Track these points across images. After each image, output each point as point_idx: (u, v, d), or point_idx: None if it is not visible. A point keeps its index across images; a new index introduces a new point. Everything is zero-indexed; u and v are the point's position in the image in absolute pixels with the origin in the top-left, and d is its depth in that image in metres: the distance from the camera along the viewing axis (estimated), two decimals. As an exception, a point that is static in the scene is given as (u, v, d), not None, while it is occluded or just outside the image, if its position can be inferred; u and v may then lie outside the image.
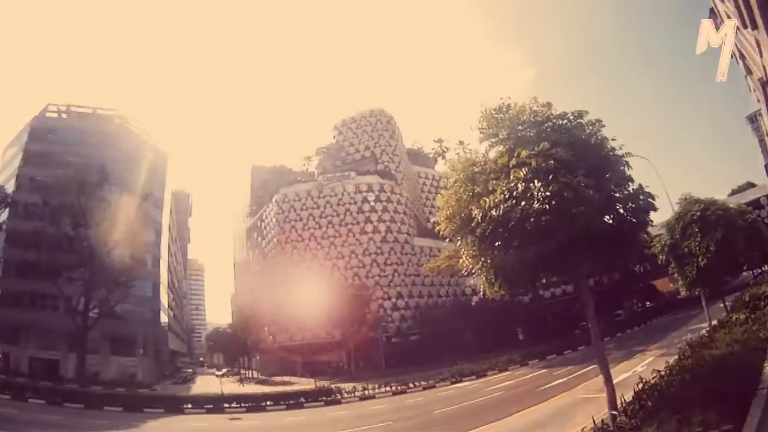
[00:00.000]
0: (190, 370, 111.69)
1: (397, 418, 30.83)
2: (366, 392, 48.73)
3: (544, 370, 43.54)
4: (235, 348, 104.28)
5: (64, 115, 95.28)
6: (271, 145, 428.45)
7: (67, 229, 64.03)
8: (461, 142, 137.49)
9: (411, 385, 49.59)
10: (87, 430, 29.93)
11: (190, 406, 43.41)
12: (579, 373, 34.22)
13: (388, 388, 49.23)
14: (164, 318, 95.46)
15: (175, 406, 42.93)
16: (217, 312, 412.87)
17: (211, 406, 42.93)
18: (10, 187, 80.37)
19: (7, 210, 76.03)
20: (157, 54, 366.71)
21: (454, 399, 35.39)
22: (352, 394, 47.88)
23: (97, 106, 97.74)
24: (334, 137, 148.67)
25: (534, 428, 21.46)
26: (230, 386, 67.70)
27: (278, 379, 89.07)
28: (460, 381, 48.48)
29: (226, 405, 43.33)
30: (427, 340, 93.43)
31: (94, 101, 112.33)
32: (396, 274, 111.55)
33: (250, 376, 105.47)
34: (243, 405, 43.77)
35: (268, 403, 44.44)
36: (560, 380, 33.47)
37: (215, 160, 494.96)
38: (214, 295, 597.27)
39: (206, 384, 73.25)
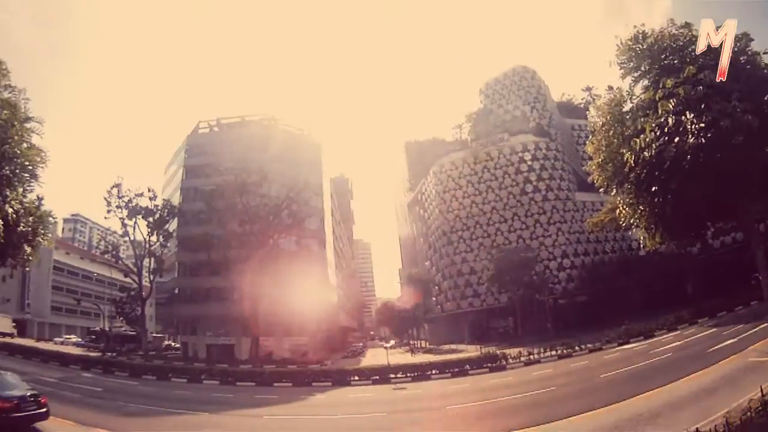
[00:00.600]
0: (361, 344, 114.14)
1: (561, 384, 29.21)
2: (531, 357, 46.90)
3: (713, 329, 39.75)
4: (404, 319, 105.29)
5: (215, 128, 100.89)
6: (422, 119, 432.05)
7: (234, 228, 67.62)
8: (610, 87, 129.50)
9: (576, 348, 47.05)
10: (252, 405, 30.30)
11: (356, 378, 43.51)
12: (750, 332, 31.06)
13: (553, 352, 47.20)
14: (334, 297, 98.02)
15: (342, 378, 43.52)
16: (385, 287, 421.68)
17: (377, 377, 42.83)
18: (176, 199, 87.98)
19: (176, 219, 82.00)
20: (294, 49, 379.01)
21: (619, 362, 33.28)
22: (518, 360, 45.80)
23: (243, 114, 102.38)
24: (481, 101, 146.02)
25: (702, 395, 19.20)
26: (399, 357, 68.21)
27: (446, 347, 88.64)
28: (627, 342, 45.29)
29: (392, 375, 43.08)
30: (593, 300, 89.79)
31: (241, 111, 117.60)
32: (560, 233, 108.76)
33: (419, 346, 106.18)
34: (408, 375, 43.29)
35: (433, 371, 43.55)
36: (730, 341, 30.30)
37: (370, 141, 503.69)
38: (382, 271, 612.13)
39: (375, 357, 74.22)
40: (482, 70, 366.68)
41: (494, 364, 43.91)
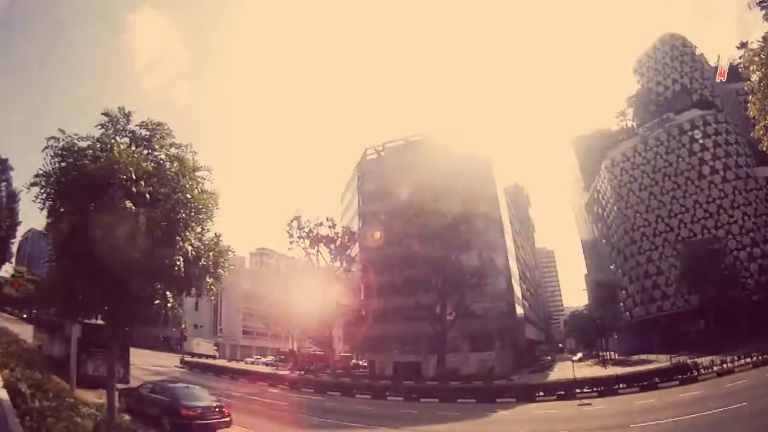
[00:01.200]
0: (549, 358, 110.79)
1: (752, 398, 26.78)
2: (724, 366, 43.62)
3: None
4: (592, 329, 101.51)
5: (382, 153, 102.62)
6: (583, 111, 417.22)
7: (414, 247, 69.39)
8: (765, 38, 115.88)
9: (774, 354, 43.05)
10: (433, 421, 30.43)
11: (542, 393, 42.34)
12: None
13: (748, 360, 43.82)
14: (519, 309, 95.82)
15: (527, 394, 42.32)
16: (572, 295, 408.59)
17: (562, 392, 41.49)
18: (355, 225, 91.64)
19: (356, 244, 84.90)
20: (445, 64, 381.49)
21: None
22: (710, 369, 42.90)
23: (406, 136, 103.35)
24: (637, 81, 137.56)
25: None
26: (587, 370, 65.47)
27: (635, 358, 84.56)
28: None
29: (577, 390, 41.56)
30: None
31: (403, 133, 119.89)
32: (746, 218, 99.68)
33: (608, 357, 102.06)
34: (594, 389, 41.45)
35: (621, 385, 41.58)
36: None
37: (537, 145, 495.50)
38: (568, 278, 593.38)
39: (563, 370, 71.55)
40: (634, 43, 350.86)
41: (685, 376, 41.33)
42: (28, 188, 17.47)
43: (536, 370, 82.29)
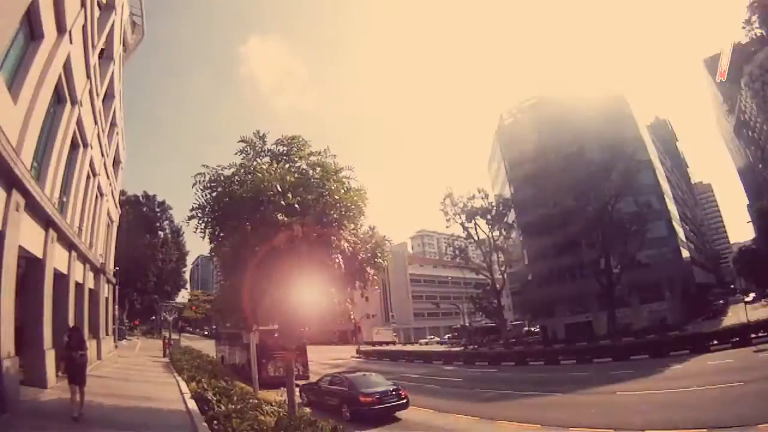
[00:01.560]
0: (721, 302, 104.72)
1: None
2: None
3: None
4: (761, 265, 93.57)
5: (517, 116, 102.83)
6: (709, 28, 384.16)
7: (569, 203, 68.18)
8: None
9: None
10: (606, 382, 29.69)
11: (715, 342, 39.83)
12: None
13: None
14: (685, 253, 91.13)
15: (700, 344, 39.77)
16: (737, 229, 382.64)
17: (736, 338, 38.54)
18: (507, 192, 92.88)
19: (512, 211, 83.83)
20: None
21: None
22: None
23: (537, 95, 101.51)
24: None
25: None
26: (762, 311, 59.79)
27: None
28: None
29: (752, 335, 38.30)
30: None
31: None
32: None
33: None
34: (773, 333, 38.62)
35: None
36: None
37: (671, 75, 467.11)
38: (731, 212, 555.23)
39: (737, 314, 64.28)
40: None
41: None
42: (187, 222, 19.66)
43: (708, 317, 78.32)
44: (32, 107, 16.41)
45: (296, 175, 19.27)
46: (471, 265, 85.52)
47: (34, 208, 18.00)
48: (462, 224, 78.95)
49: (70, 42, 19.21)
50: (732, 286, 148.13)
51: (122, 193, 63.14)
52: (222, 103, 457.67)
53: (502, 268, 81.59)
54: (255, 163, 19.76)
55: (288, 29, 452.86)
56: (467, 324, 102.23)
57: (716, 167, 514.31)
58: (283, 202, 17.72)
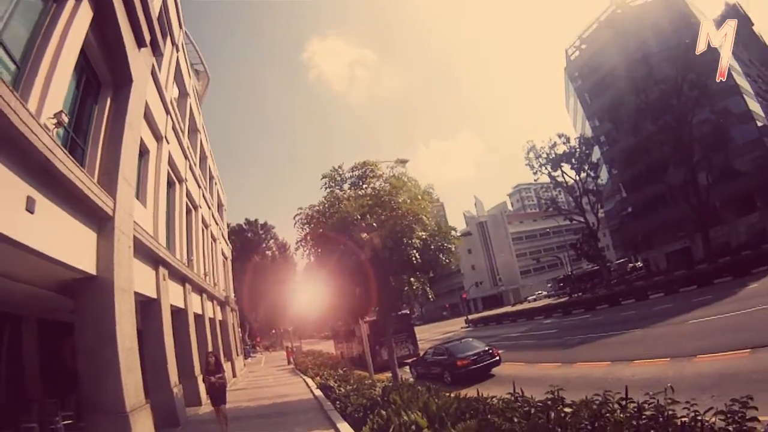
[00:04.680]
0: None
1: None
2: None
3: None
4: None
5: (583, 47, 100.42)
6: None
7: (648, 126, 67.43)
8: None
9: None
10: (684, 311, 30.04)
11: None
12: None
13: None
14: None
15: None
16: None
17: None
18: (588, 131, 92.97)
19: (595, 148, 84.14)
20: None
21: None
22: None
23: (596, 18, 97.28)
24: None
25: None
26: None
27: None
28: None
29: None
30: None
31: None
32: None
33: None
34: None
35: None
36: None
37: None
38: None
39: None
40: None
41: None
42: (295, 251, 27.74)
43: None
44: (156, 201, 21.73)
45: (370, 198, 24.93)
46: (564, 212, 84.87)
47: (173, 273, 23.83)
48: (549, 174, 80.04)
49: (167, 143, 24.28)
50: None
51: (227, 225, 68.18)
52: (298, 111, 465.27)
53: (596, 208, 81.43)
54: (338, 191, 26.04)
55: (341, 20, 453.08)
56: (570, 272, 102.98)
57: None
58: (363, 224, 23.39)
